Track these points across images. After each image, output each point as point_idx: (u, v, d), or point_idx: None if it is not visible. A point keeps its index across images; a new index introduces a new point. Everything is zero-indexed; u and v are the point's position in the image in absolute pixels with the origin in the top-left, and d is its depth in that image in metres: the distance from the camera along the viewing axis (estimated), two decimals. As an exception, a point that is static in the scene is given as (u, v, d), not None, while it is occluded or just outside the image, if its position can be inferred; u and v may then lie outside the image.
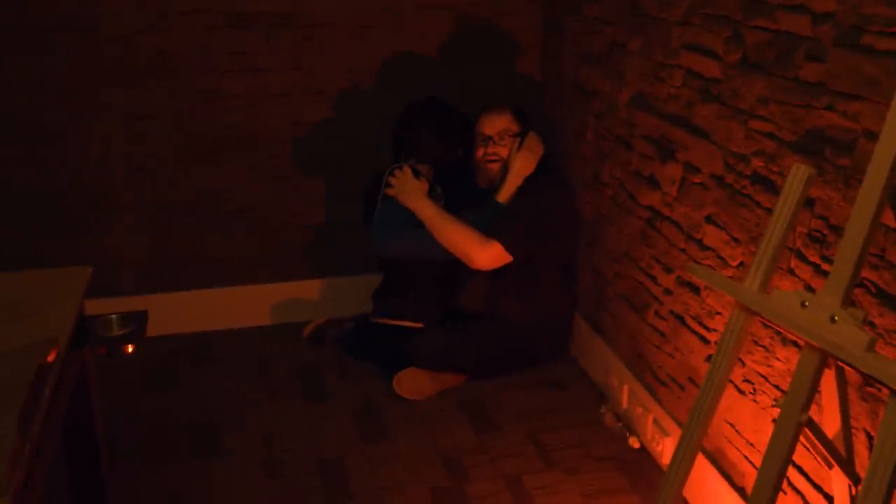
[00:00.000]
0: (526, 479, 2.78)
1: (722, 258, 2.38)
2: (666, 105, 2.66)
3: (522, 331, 3.32)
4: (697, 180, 2.50)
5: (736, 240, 2.31)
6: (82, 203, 3.51)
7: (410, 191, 3.27)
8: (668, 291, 2.72)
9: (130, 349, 2.24)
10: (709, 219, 2.45)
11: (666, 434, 2.76)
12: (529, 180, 3.30)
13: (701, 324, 2.53)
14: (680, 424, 2.69)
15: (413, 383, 3.23)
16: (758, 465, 2.24)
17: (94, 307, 2.31)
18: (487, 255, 3.19)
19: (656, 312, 2.81)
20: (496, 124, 3.34)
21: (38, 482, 1.66)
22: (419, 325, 3.36)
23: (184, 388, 3.31)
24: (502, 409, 3.17)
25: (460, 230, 3.21)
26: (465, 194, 3.45)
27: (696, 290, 2.55)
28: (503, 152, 3.33)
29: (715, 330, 2.46)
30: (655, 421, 2.84)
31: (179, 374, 3.41)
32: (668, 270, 2.71)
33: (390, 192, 3.30)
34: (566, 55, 3.49)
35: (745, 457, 2.35)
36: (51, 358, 1.78)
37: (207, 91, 3.50)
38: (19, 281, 2.20)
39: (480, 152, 3.37)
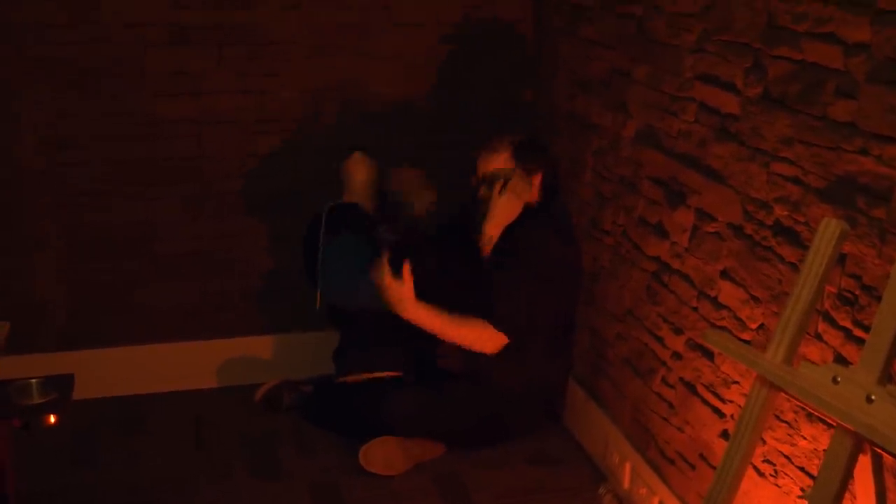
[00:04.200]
0: (512, 574, 2.78)
1: (739, 319, 2.41)
2: (676, 143, 2.71)
3: (508, 396, 3.33)
4: (712, 229, 2.53)
5: (756, 298, 2.34)
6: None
7: (396, 302, 3.24)
8: (677, 356, 2.75)
9: (53, 420, 2.23)
10: (724, 274, 2.48)
11: (674, 520, 2.78)
12: (525, 228, 3.32)
13: (715, 394, 2.55)
14: (690, 509, 2.71)
15: (383, 456, 3.22)
16: (781, 560, 2.26)
17: (8, 365, 2.29)
18: (496, 347, 3.27)
19: (663, 379, 2.83)
20: (488, 163, 3.35)
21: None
22: (396, 373, 3.38)
23: (112, 463, 3.27)
24: (484, 489, 3.16)
25: (463, 331, 3.26)
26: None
27: (709, 354, 2.57)
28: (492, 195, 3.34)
29: (731, 401, 2.48)
30: (662, 504, 2.86)
31: (107, 446, 3.37)
32: (678, 332, 2.73)
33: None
34: (561, 83, 3.54)
35: (766, 550, 2.36)
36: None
37: (141, 115, 3.51)
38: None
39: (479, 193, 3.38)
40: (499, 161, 3.33)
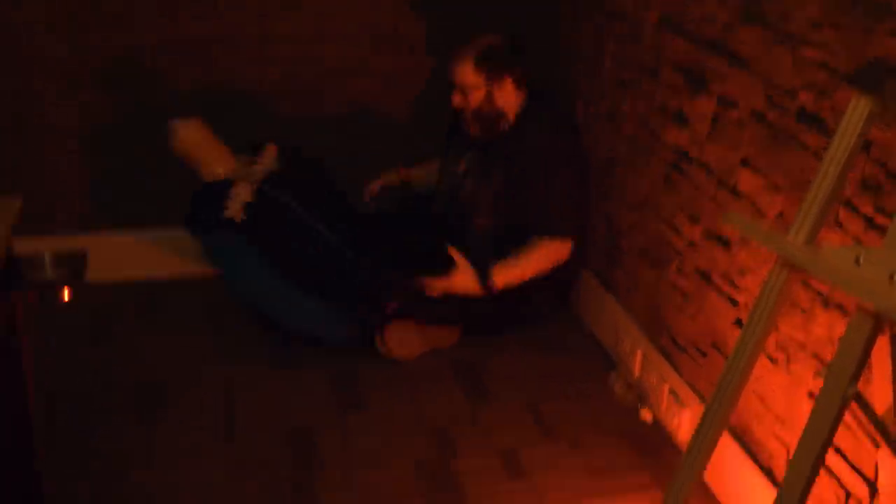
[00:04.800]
0: (523, 453, 2.81)
1: (758, 207, 2.39)
2: (700, 27, 2.64)
3: (525, 289, 3.31)
4: (733, 116, 2.49)
5: (776, 186, 2.31)
6: (8, 124, 3.46)
7: (476, 291, 3.23)
8: (692, 245, 2.73)
9: (67, 295, 2.21)
10: (745, 162, 2.44)
11: (683, 406, 2.79)
12: (527, 134, 3.29)
13: (730, 282, 2.54)
14: (700, 395, 2.72)
15: (400, 339, 3.24)
16: (788, 443, 2.28)
17: (22, 247, 2.26)
18: (568, 251, 3.30)
19: (678, 269, 2.82)
20: (456, 74, 3.30)
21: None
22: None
23: (127, 344, 3.29)
24: (497, 375, 3.19)
25: (539, 262, 3.26)
26: (462, 140, 3.47)
27: (725, 243, 2.55)
28: (469, 104, 3.31)
29: (745, 290, 2.47)
30: (671, 391, 2.87)
31: (122, 328, 3.39)
32: (695, 221, 2.71)
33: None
34: (582, -34, 3.46)
35: (775, 434, 2.37)
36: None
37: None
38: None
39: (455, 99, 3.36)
40: (462, 74, 3.27)
